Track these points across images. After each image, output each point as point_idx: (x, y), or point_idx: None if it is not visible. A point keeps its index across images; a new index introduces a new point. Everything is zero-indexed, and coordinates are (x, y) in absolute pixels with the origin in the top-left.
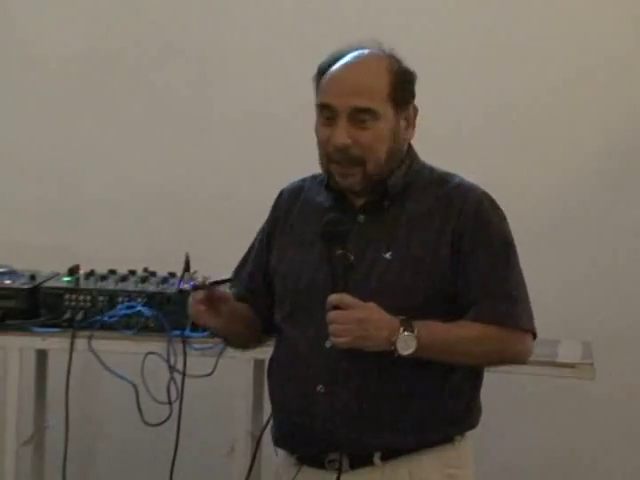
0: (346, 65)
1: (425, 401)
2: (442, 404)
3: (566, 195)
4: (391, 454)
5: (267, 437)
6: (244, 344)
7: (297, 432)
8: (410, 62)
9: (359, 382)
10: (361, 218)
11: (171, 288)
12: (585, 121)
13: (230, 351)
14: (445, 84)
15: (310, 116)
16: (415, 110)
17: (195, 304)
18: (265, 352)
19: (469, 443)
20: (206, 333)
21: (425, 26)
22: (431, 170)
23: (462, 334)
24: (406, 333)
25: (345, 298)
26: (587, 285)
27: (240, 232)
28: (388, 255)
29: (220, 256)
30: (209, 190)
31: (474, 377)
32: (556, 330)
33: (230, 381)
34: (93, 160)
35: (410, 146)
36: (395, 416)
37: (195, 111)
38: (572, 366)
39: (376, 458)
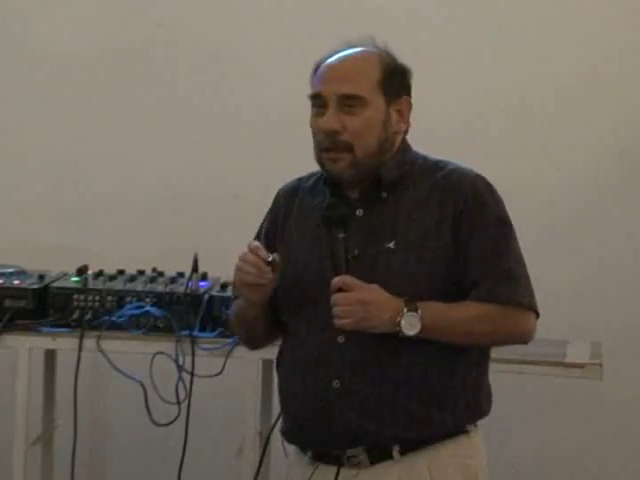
0: (337, 56)
1: (439, 391)
2: (455, 394)
3: (575, 195)
4: (410, 447)
5: (276, 437)
6: (255, 340)
7: (313, 430)
8: (418, 61)
9: (374, 375)
10: (359, 212)
11: (180, 288)
12: (594, 121)
13: (238, 351)
14: (452, 84)
15: None
16: (409, 105)
17: (263, 277)
18: (273, 352)
19: (480, 433)
20: (215, 333)
21: (433, 25)
22: (425, 159)
23: (464, 314)
24: (410, 313)
25: (347, 280)
26: (597, 286)
27: (249, 232)
28: (392, 245)
29: (229, 256)
30: (218, 190)
31: (480, 364)
32: (566, 331)
33: (238, 381)
34: (102, 160)
35: (404, 138)
36: (412, 408)
37: (205, 111)
38: (580, 366)
39: (395, 452)
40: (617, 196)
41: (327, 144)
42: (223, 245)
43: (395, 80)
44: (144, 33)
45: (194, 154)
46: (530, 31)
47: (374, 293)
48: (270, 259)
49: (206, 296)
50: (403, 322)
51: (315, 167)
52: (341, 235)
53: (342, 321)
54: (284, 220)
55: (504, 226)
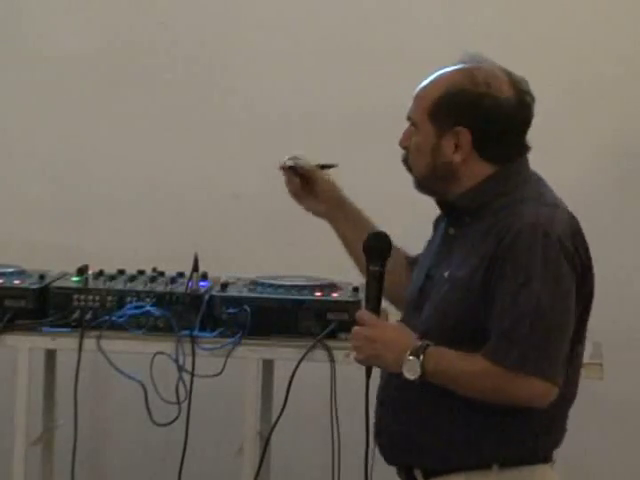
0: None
1: (450, 423)
2: (469, 428)
3: (578, 195)
4: (430, 472)
5: (276, 437)
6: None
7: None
8: (415, 63)
9: (397, 396)
10: (451, 230)
11: (180, 288)
12: (599, 121)
13: (239, 351)
14: None
15: (319, 116)
16: (468, 138)
17: (288, 184)
18: (274, 353)
19: (529, 476)
20: (215, 333)
21: (432, 26)
22: (521, 192)
23: (464, 367)
24: (411, 358)
25: (363, 315)
26: (597, 286)
27: (249, 232)
28: (446, 274)
29: (229, 256)
30: (218, 190)
31: (518, 412)
32: None
33: (239, 381)
34: (102, 160)
35: (504, 168)
36: (427, 434)
37: (205, 111)
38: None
39: (417, 474)
40: (617, 196)
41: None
42: (223, 245)
43: (451, 109)
44: (145, 32)
45: (194, 154)
46: (530, 32)
47: (385, 331)
48: (287, 165)
49: (206, 296)
50: (405, 366)
51: None
52: (375, 268)
53: (354, 355)
54: (436, 225)
55: (526, 282)
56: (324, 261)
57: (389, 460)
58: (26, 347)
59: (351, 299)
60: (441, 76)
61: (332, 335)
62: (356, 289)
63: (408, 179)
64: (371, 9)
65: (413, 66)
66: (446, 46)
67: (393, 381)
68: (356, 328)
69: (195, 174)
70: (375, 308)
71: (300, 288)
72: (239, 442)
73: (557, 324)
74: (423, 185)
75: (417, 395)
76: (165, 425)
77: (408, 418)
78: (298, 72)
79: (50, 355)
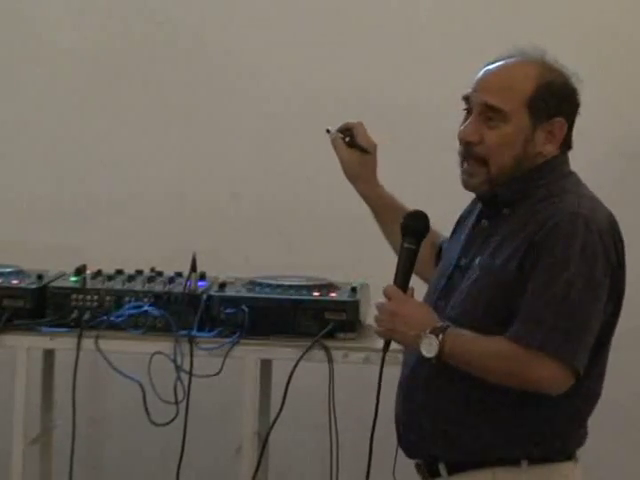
0: (495, 64)
1: (480, 417)
2: (499, 423)
3: None
4: (455, 467)
5: (273, 437)
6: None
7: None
8: (415, 60)
9: (425, 388)
10: (484, 223)
11: (178, 288)
12: (595, 121)
13: (237, 351)
14: (450, 82)
15: (318, 115)
16: (563, 128)
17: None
18: (273, 353)
19: (556, 473)
20: (213, 333)
21: (433, 25)
22: (561, 185)
23: (481, 348)
24: (430, 336)
25: (389, 289)
26: None
27: (248, 233)
28: (477, 262)
29: (228, 256)
30: (217, 190)
31: (549, 408)
32: None
33: (237, 381)
34: (101, 160)
35: (553, 161)
36: (456, 428)
37: (203, 110)
38: None
39: (441, 469)
40: (617, 196)
41: (464, 153)
42: (221, 244)
43: (548, 100)
44: (144, 32)
45: (193, 153)
46: (529, 31)
47: (407, 307)
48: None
49: (204, 296)
50: (422, 343)
51: (317, 168)
52: (407, 245)
53: (376, 328)
54: (464, 220)
55: (562, 269)
56: (322, 261)
57: (411, 453)
58: (24, 347)
59: (349, 299)
60: (517, 65)
61: (330, 335)
62: (354, 289)
63: (413, 177)
64: (373, 5)
65: (416, 64)
66: (445, 44)
67: (421, 372)
68: (381, 302)
69: (194, 174)
70: (403, 284)
71: (298, 288)
72: (237, 442)
73: (585, 314)
74: (499, 180)
75: (446, 387)
76: (163, 425)
77: (436, 411)
78: (298, 71)
79: (48, 355)
